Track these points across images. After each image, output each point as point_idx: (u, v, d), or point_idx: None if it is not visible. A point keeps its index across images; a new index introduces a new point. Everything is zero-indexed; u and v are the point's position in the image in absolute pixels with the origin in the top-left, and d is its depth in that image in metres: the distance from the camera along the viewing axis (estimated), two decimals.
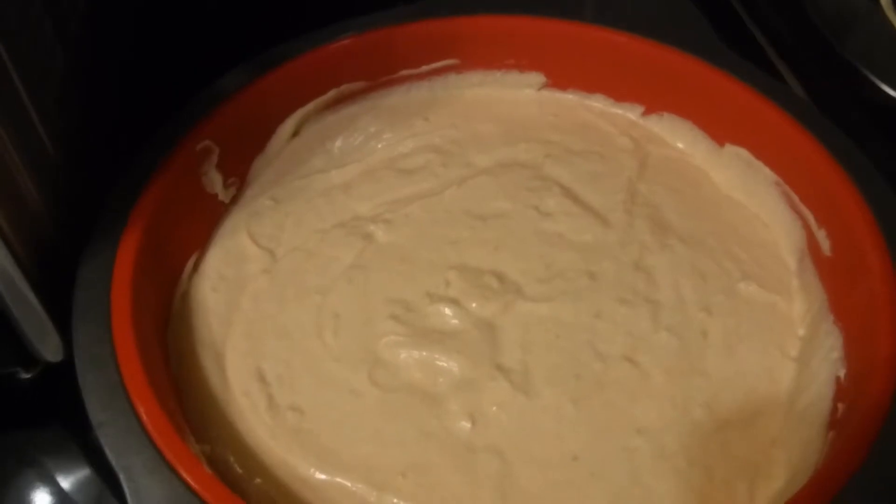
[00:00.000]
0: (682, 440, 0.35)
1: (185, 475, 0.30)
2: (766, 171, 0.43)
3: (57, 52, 0.37)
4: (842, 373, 0.36)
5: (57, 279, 0.36)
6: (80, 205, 0.38)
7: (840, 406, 0.35)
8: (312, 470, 0.34)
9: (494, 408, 0.36)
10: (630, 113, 0.48)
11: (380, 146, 0.46)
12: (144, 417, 0.32)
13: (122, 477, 0.31)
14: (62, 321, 0.36)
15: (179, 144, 0.40)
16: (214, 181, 0.42)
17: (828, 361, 0.36)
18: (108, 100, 0.42)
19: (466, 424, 0.35)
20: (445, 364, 0.37)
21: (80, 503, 0.40)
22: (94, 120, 0.40)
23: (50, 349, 0.37)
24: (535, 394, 0.36)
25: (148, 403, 0.32)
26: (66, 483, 0.41)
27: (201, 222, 0.42)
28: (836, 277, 0.39)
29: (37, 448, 0.41)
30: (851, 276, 0.37)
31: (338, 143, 0.46)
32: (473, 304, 0.39)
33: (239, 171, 0.44)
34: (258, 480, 0.34)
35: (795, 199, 0.42)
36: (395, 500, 0.34)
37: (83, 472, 0.41)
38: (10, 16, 0.32)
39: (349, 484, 0.34)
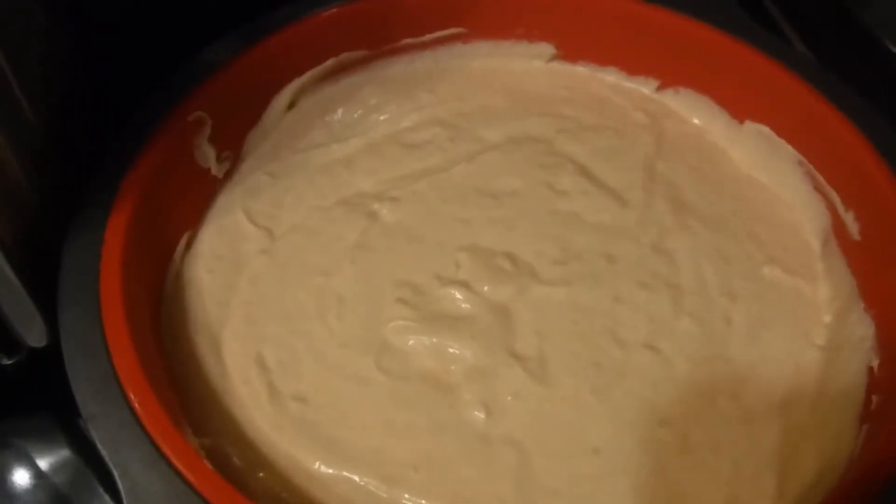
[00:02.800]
0: (707, 431, 0.34)
1: (183, 470, 0.28)
2: (789, 149, 0.41)
3: (41, 24, 0.34)
4: (875, 363, 0.34)
5: (40, 259, 0.34)
6: (64, 182, 0.36)
7: (874, 398, 0.33)
8: (318, 463, 0.32)
9: (510, 397, 0.34)
10: (644, 87, 0.46)
11: (382, 119, 0.44)
12: (139, 409, 0.29)
13: (116, 473, 0.28)
14: (46, 304, 0.34)
15: (170, 115, 0.38)
16: (207, 155, 0.40)
17: (860, 351, 0.35)
18: (93, 74, 0.39)
19: (481, 415, 0.34)
20: (458, 351, 0.35)
21: (65, 491, 0.38)
22: (79, 95, 0.38)
23: (33, 334, 0.35)
24: (553, 383, 0.34)
25: (142, 394, 0.30)
26: (49, 471, 0.38)
27: (194, 198, 0.40)
28: (867, 262, 0.37)
29: (20, 436, 0.39)
30: (883, 261, 0.36)
31: (337, 115, 0.44)
32: (486, 288, 0.37)
33: (233, 145, 0.41)
34: (261, 474, 0.32)
35: (820, 179, 0.40)
36: (406, 496, 0.32)
37: (68, 460, 0.39)
38: None
39: (358, 478, 0.32)
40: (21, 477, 0.38)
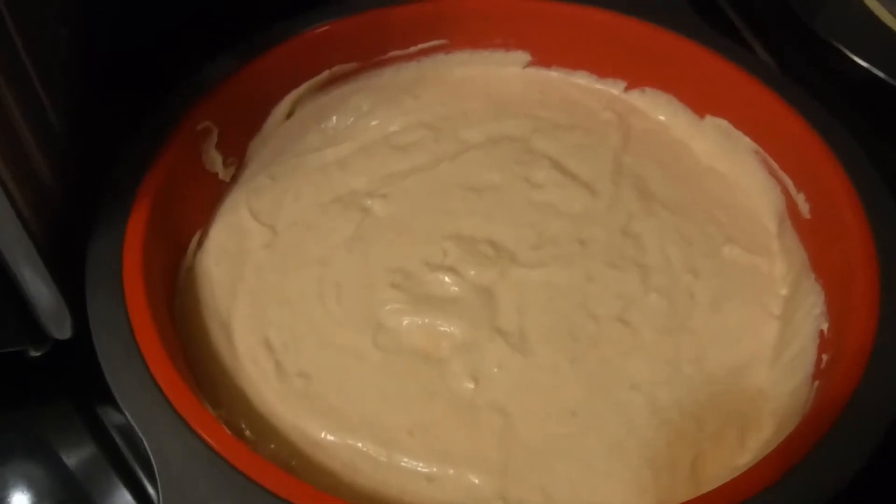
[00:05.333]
0: (674, 394, 0.37)
1: (206, 436, 0.31)
2: (746, 140, 0.45)
3: (60, 30, 0.38)
4: (825, 326, 0.37)
5: (66, 255, 0.37)
6: (86, 181, 0.39)
7: (824, 357, 0.36)
8: (323, 433, 0.36)
9: (495, 368, 0.37)
10: (613, 88, 0.49)
11: (372, 124, 0.47)
12: (162, 383, 0.33)
13: (144, 439, 0.31)
14: (72, 298, 0.37)
15: (180, 124, 0.41)
16: (214, 160, 0.43)
17: (811, 317, 0.38)
18: (103, 77, 0.43)
19: (469, 384, 0.37)
20: (447, 328, 0.38)
21: (84, 481, 0.41)
22: (95, 102, 0.41)
23: (60, 325, 0.38)
24: (533, 353, 0.38)
25: (165, 369, 0.33)
26: (70, 461, 0.41)
27: (203, 200, 0.43)
28: (816, 238, 0.40)
29: (42, 426, 0.42)
30: (830, 235, 0.39)
31: (332, 122, 0.48)
32: (471, 272, 0.40)
33: (237, 151, 0.45)
34: (272, 446, 0.36)
35: (774, 165, 0.44)
36: (404, 459, 0.35)
37: (88, 450, 0.41)
38: None
39: (359, 444, 0.35)
40: (41, 467, 0.41)
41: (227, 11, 0.49)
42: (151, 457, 0.31)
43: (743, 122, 0.45)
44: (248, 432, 0.36)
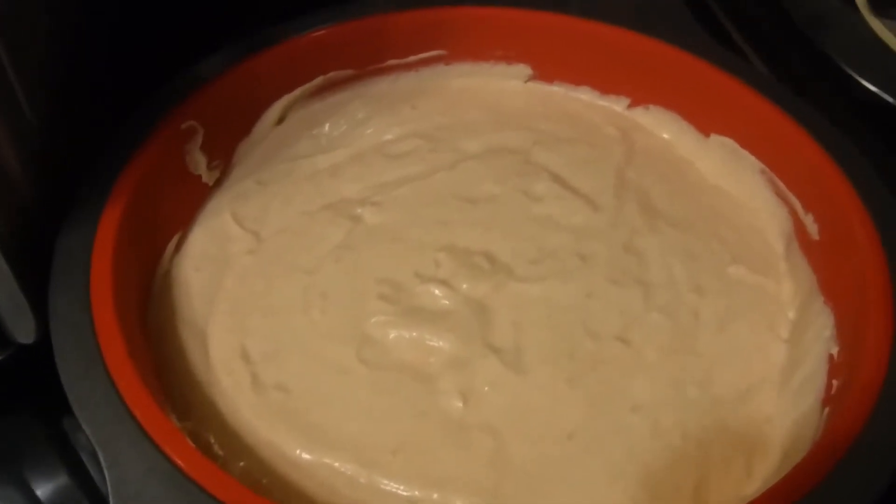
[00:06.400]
0: (678, 417, 0.35)
1: (166, 449, 0.29)
2: (752, 159, 0.43)
3: (41, 17, 0.36)
4: (834, 350, 0.35)
5: (33, 256, 0.35)
6: (60, 178, 0.37)
7: (834, 382, 0.34)
8: (299, 450, 0.33)
9: (487, 387, 0.35)
10: (616, 105, 0.48)
11: (367, 132, 0.46)
12: (123, 390, 0.30)
13: (99, 452, 0.29)
14: (36, 301, 0.35)
15: (163, 122, 0.40)
16: (198, 162, 0.41)
17: (820, 340, 0.36)
18: (91, 70, 0.41)
19: (458, 403, 0.35)
20: (436, 343, 0.36)
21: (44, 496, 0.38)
22: (76, 91, 0.39)
23: (23, 329, 0.36)
24: (528, 372, 0.35)
25: (128, 376, 0.31)
26: (32, 474, 0.39)
27: (184, 202, 0.41)
28: (825, 259, 0.39)
29: (5, 440, 0.40)
30: (840, 256, 0.37)
31: (324, 129, 0.46)
32: (464, 285, 0.38)
33: (223, 154, 0.43)
34: (242, 463, 0.33)
35: (781, 186, 0.42)
36: (385, 481, 0.33)
37: (51, 462, 0.39)
38: None
39: (338, 464, 0.33)
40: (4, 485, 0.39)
41: (228, 12, 0.47)
42: (105, 472, 0.28)
43: (749, 141, 0.44)
44: (216, 448, 0.34)
